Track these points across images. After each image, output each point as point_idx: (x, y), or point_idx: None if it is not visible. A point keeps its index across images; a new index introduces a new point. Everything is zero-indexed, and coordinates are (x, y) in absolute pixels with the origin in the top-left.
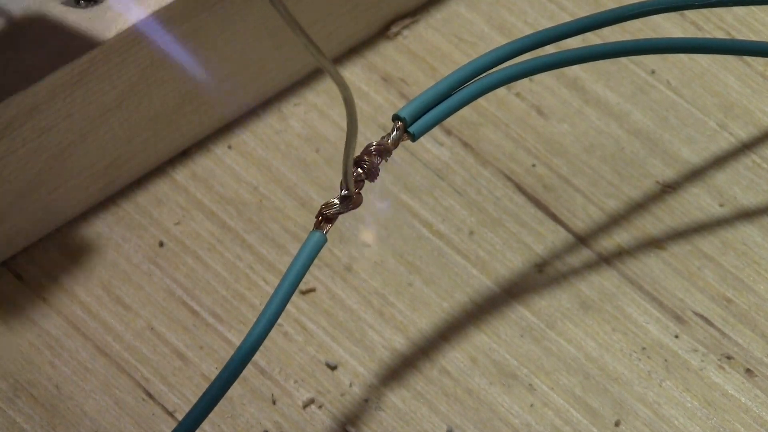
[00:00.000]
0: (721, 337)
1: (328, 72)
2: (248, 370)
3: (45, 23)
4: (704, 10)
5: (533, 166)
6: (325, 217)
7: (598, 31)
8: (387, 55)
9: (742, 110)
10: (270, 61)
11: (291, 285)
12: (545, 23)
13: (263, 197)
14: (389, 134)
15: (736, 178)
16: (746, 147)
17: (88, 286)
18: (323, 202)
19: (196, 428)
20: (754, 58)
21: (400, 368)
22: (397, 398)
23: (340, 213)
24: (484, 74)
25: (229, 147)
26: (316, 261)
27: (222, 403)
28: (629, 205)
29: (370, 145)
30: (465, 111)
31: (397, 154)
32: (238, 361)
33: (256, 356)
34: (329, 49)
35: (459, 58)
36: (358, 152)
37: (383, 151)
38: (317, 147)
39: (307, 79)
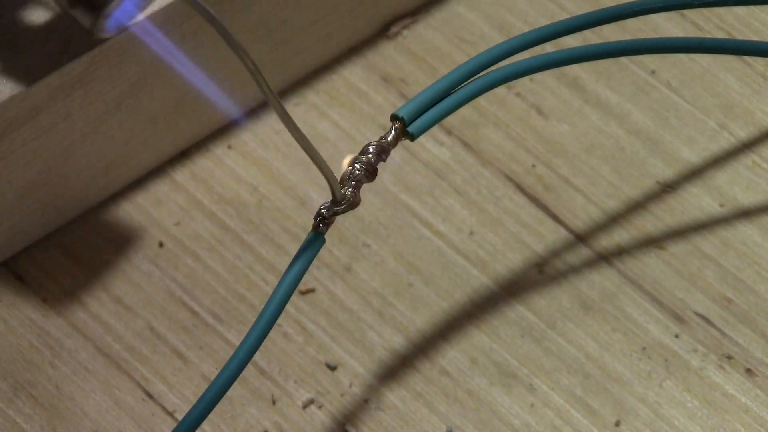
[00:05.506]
0: (721, 337)
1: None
2: (248, 371)
3: (44, 23)
4: (704, 10)
5: (533, 166)
6: (323, 218)
7: (598, 31)
8: (387, 55)
9: (742, 110)
10: (270, 61)
11: (289, 286)
12: (546, 23)
13: (263, 197)
14: (387, 134)
15: (736, 178)
16: (746, 147)
17: (88, 287)
18: (322, 202)
19: (196, 428)
20: (754, 58)
21: (400, 368)
22: (396, 398)
23: (338, 213)
24: (483, 73)
25: (229, 147)
26: (315, 261)
27: (222, 403)
28: (629, 205)
29: (369, 144)
30: (465, 111)
31: (397, 154)
32: (238, 361)
33: (256, 356)
34: (329, 49)
35: (459, 58)
36: (356, 152)
37: (381, 150)
38: (317, 147)
39: (307, 79)
